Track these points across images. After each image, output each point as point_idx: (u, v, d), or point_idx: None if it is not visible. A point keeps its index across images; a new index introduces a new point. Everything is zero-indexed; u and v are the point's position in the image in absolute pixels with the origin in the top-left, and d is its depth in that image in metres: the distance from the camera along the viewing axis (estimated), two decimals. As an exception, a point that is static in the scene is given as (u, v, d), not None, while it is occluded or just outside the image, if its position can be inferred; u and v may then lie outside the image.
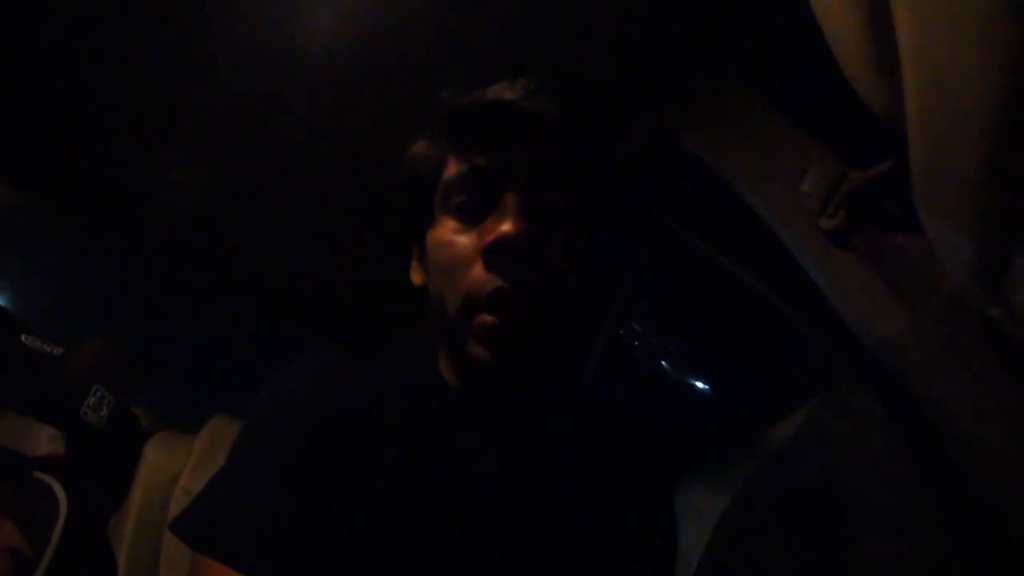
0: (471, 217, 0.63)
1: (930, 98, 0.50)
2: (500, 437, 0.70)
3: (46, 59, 1.06)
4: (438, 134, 0.68)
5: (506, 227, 0.59)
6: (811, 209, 0.83)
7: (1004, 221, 0.54)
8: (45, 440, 1.10)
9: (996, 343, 0.72)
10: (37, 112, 1.12)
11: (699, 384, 1.96)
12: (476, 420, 0.70)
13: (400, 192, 0.72)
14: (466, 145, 0.64)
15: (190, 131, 1.14)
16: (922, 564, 1.01)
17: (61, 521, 1.00)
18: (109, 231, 1.30)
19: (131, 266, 1.45)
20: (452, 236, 0.63)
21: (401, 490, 0.66)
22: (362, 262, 1.29)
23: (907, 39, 0.47)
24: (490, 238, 0.59)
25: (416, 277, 0.73)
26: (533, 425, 0.71)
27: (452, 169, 0.65)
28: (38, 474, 1.05)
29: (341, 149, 1.12)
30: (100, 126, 1.12)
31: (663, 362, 1.99)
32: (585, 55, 0.91)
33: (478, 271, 0.61)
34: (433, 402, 0.71)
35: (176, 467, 1.22)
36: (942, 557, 0.93)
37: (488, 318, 0.60)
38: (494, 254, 0.60)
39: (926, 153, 0.55)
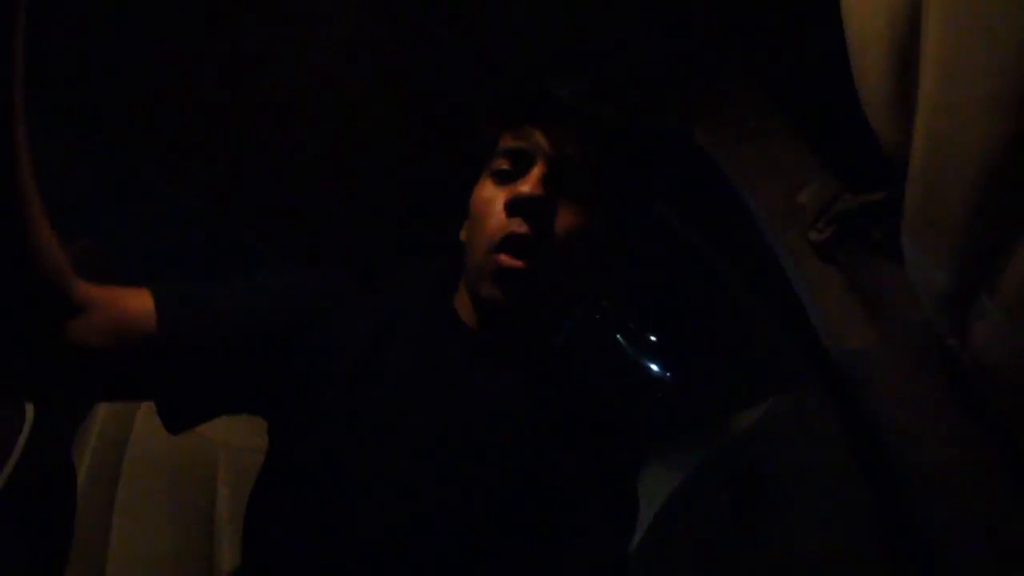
0: (506, 181, 0.77)
1: (936, 137, 0.53)
2: (495, 369, 0.79)
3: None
4: (499, 114, 0.82)
5: (525, 188, 0.73)
6: (803, 220, 0.87)
7: (979, 261, 0.58)
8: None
9: (949, 370, 0.77)
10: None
11: (659, 368, 2.01)
12: (477, 352, 0.80)
13: (459, 162, 0.85)
14: (517, 125, 0.78)
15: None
16: (848, 563, 1.09)
17: (26, 429, 0.99)
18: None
19: (131, 180, 1.42)
20: (488, 193, 0.78)
21: (401, 408, 0.71)
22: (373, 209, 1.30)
23: (929, 79, 0.50)
24: (511, 194, 0.73)
25: (463, 235, 0.85)
26: (526, 367, 0.81)
27: (503, 143, 0.79)
28: (4, 379, 1.05)
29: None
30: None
31: (619, 336, 2.03)
32: (610, 50, 0.93)
33: (501, 218, 0.75)
34: (441, 329, 0.81)
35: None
36: (868, 555, 1.01)
37: (502, 258, 0.73)
38: (512, 205, 0.73)
39: (922, 188, 0.59)
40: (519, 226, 0.73)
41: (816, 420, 1.20)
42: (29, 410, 1.03)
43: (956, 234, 0.56)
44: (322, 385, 0.70)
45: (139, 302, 0.65)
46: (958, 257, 0.58)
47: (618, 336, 2.01)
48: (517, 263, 0.72)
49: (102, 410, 1.18)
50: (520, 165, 0.76)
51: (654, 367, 1.98)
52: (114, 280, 1.16)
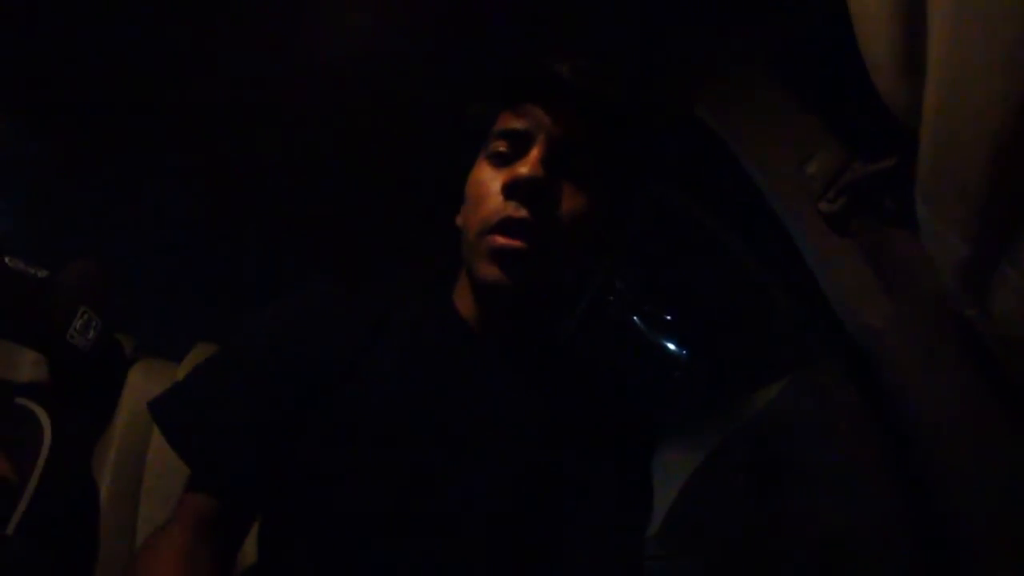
0: (503, 163, 0.74)
1: (949, 102, 0.51)
2: (500, 367, 0.77)
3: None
4: (495, 95, 0.78)
5: (523, 169, 0.70)
6: (813, 192, 0.85)
7: (999, 228, 0.56)
8: (28, 365, 1.09)
9: (969, 341, 0.75)
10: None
11: (676, 347, 1.99)
12: (482, 350, 0.77)
13: (455, 145, 0.82)
14: (515, 105, 0.75)
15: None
16: (867, 533, 1.07)
17: (46, 450, 0.99)
18: (97, 152, 1.27)
19: (120, 190, 1.42)
20: (484, 176, 0.75)
21: (396, 405, 0.71)
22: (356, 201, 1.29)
23: (937, 43, 0.48)
24: (510, 176, 0.70)
25: (459, 220, 0.82)
26: (531, 362, 0.79)
27: (500, 124, 0.76)
28: (21, 400, 1.05)
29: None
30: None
31: (635, 318, 2.01)
32: (613, 23, 0.91)
33: (498, 201, 0.71)
34: (442, 329, 0.79)
35: (160, 395, 1.22)
36: (890, 530, 1.00)
37: (497, 239, 0.70)
38: (510, 188, 0.70)
39: (935, 154, 0.57)
40: (516, 210, 0.70)
41: (834, 395, 1.18)
42: (47, 428, 1.03)
43: (973, 199, 0.54)
44: (324, 401, 0.70)
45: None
46: (976, 224, 0.56)
47: (634, 317, 2.00)
48: (514, 242, 0.69)
49: (120, 425, 1.18)
50: (519, 146, 0.73)
51: (671, 346, 1.97)
52: (114, 298, 1.16)
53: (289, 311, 0.77)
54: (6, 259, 1.09)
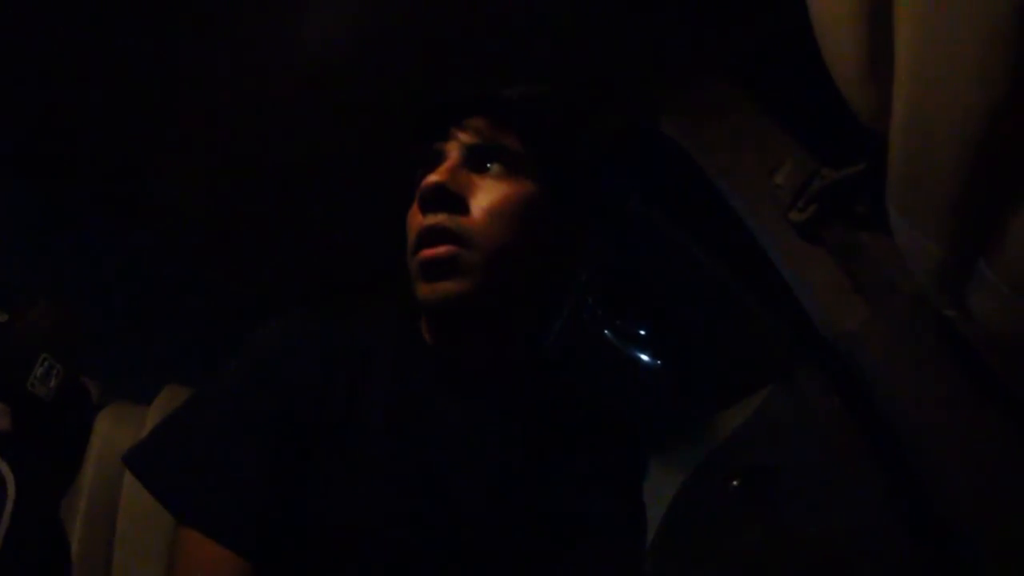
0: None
1: (919, 106, 0.51)
2: (474, 396, 0.74)
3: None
4: (419, 132, 0.76)
5: (432, 176, 0.69)
6: (782, 202, 0.86)
7: (974, 229, 0.56)
8: (-11, 415, 1.05)
9: (949, 342, 0.75)
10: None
11: (653, 361, 1.99)
12: (448, 376, 0.74)
13: (400, 189, 0.79)
14: (433, 134, 0.74)
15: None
16: (860, 537, 1.07)
17: (10, 505, 0.94)
18: (58, 190, 1.24)
19: (81, 228, 1.38)
20: (413, 206, 0.73)
21: (381, 448, 0.67)
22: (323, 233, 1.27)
23: (905, 47, 0.48)
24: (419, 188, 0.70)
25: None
26: (505, 388, 0.77)
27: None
28: (-17, 452, 1.00)
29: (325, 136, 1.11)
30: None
31: (607, 332, 2.01)
32: (575, 36, 0.92)
33: (417, 219, 0.70)
34: (411, 357, 0.76)
35: (130, 440, 1.16)
36: (882, 532, 1.00)
37: (422, 253, 0.68)
38: (421, 199, 0.70)
39: (906, 158, 0.57)
40: (430, 219, 0.68)
41: (816, 404, 1.19)
42: (11, 483, 0.98)
43: (946, 200, 0.54)
44: (317, 442, 0.67)
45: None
46: (950, 224, 0.56)
47: (606, 332, 1.99)
48: (436, 249, 0.67)
49: (89, 473, 1.13)
50: (435, 166, 0.72)
51: (644, 357, 1.96)
52: (80, 343, 1.11)
53: (271, 348, 0.72)
54: (-38, 304, 1.04)
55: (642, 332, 1.99)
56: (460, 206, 0.69)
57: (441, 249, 0.67)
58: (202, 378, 0.84)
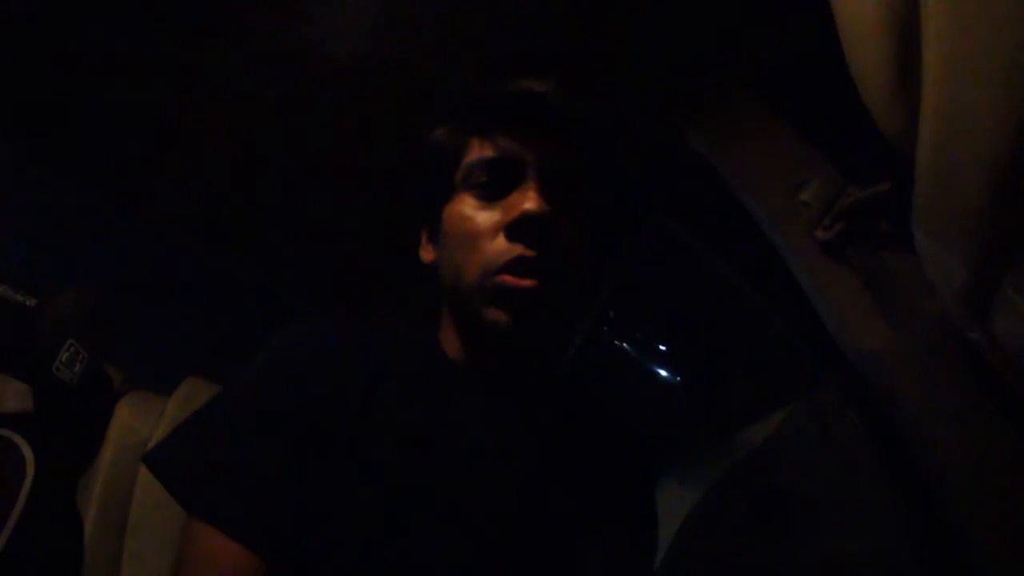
0: (492, 195, 0.69)
1: (946, 125, 0.51)
2: (494, 410, 0.73)
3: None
4: (462, 120, 0.73)
5: (530, 204, 0.65)
6: (808, 219, 0.85)
7: (1000, 251, 0.56)
8: (12, 396, 1.06)
9: (973, 365, 0.74)
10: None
11: (672, 376, 1.98)
12: (472, 392, 0.73)
13: (417, 174, 0.77)
14: (493, 130, 0.70)
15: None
16: (881, 565, 1.05)
17: (28, 483, 0.96)
18: (94, 182, 1.27)
19: (114, 219, 1.42)
20: (473, 211, 0.69)
21: (396, 459, 0.67)
22: (356, 237, 1.29)
23: (933, 66, 0.48)
24: (515, 213, 0.65)
25: (427, 255, 0.77)
26: (524, 402, 0.75)
27: (475, 152, 0.71)
28: (4, 431, 1.02)
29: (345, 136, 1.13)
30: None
31: (626, 346, 2.00)
32: (601, 50, 0.92)
33: (500, 242, 0.66)
34: (431, 373, 0.74)
35: (148, 429, 1.19)
36: (899, 561, 0.97)
37: (507, 279, 0.65)
38: (518, 227, 0.65)
39: (933, 179, 0.56)
40: (526, 250, 0.65)
41: (836, 425, 1.17)
42: (30, 461, 1.01)
43: (972, 221, 0.53)
44: (334, 448, 0.66)
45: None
46: (976, 245, 0.55)
47: (624, 345, 1.98)
48: (526, 282, 0.65)
49: (106, 458, 1.16)
50: (505, 177, 0.68)
51: (663, 373, 1.95)
52: (108, 332, 1.14)
53: (292, 352, 0.72)
54: (-8, 285, 1.07)
55: (661, 347, 1.98)
56: (553, 241, 0.67)
57: (530, 283, 0.65)
58: (223, 371, 0.85)
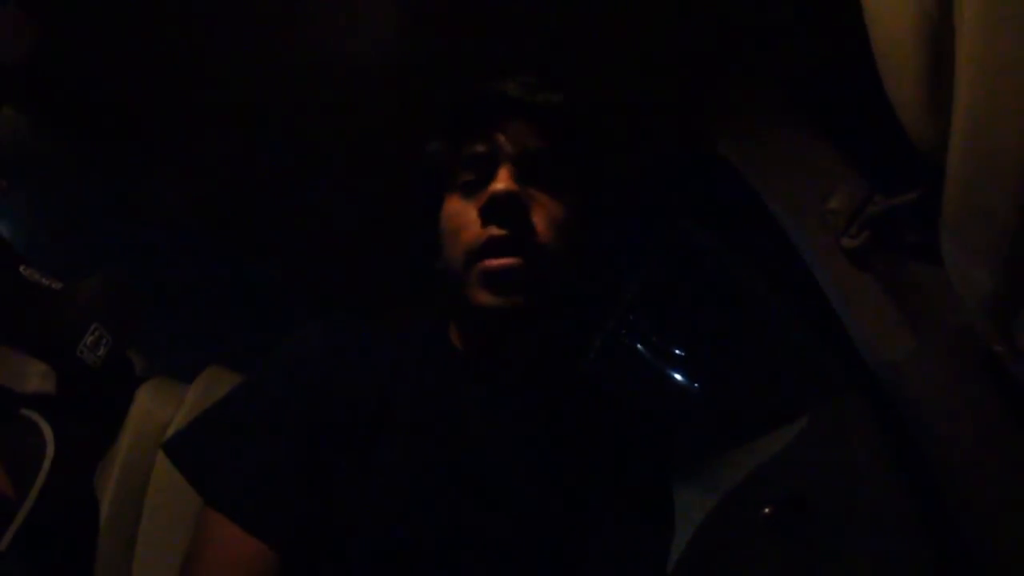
0: (472, 190, 0.72)
1: (978, 135, 0.50)
2: (504, 403, 0.74)
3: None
4: (447, 131, 0.76)
5: (498, 185, 0.68)
6: (835, 227, 0.84)
7: (1028, 263, 0.55)
8: (36, 376, 1.08)
9: (995, 377, 0.73)
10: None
11: (691, 383, 1.97)
12: (482, 385, 0.75)
13: (419, 187, 0.80)
14: (471, 133, 0.73)
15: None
16: (901, 574, 1.04)
17: (47, 463, 0.97)
18: (123, 167, 1.29)
19: (142, 207, 1.44)
20: (456, 207, 0.72)
21: (410, 453, 0.68)
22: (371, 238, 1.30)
23: (965, 76, 0.47)
24: (484, 197, 0.68)
25: (439, 262, 0.78)
26: (535, 396, 0.77)
27: (462, 153, 0.74)
28: (26, 411, 1.03)
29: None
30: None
31: (642, 348, 1.99)
32: (632, 58, 0.93)
33: (477, 227, 0.69)
34: (443, 368, 0.76)
35: (167, 416, 1.20)
36: (922, 568, 0.96)
37: (488, 262, 0.67)
38: (488, 209, 0.68)
39: (962, 189, 0.56)
40: (498, 230, 0.68)
41: (856, 433, 1.15)
42: (50, 442, 1.02)
43: (1001, 232, 0.53)
44: (352, 445, 0.68)
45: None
46: (1004, 257, 0.55)
47: (643, 349, 1.98)
48: (505, 261, 0.67)
49: (125, 442, 1.17)
50: (483, 170, 0.71)
51: (679, 378, 1.94)
52: (133, 318, 1.15)
53: (309, 349, 0.74)
54: (22, 268, 1.08)
55: (679, 352, 1.97)
56: (526, 217, 0.69)
57: (510, 260, 0.67)
58: (244, 360, 0.86)
